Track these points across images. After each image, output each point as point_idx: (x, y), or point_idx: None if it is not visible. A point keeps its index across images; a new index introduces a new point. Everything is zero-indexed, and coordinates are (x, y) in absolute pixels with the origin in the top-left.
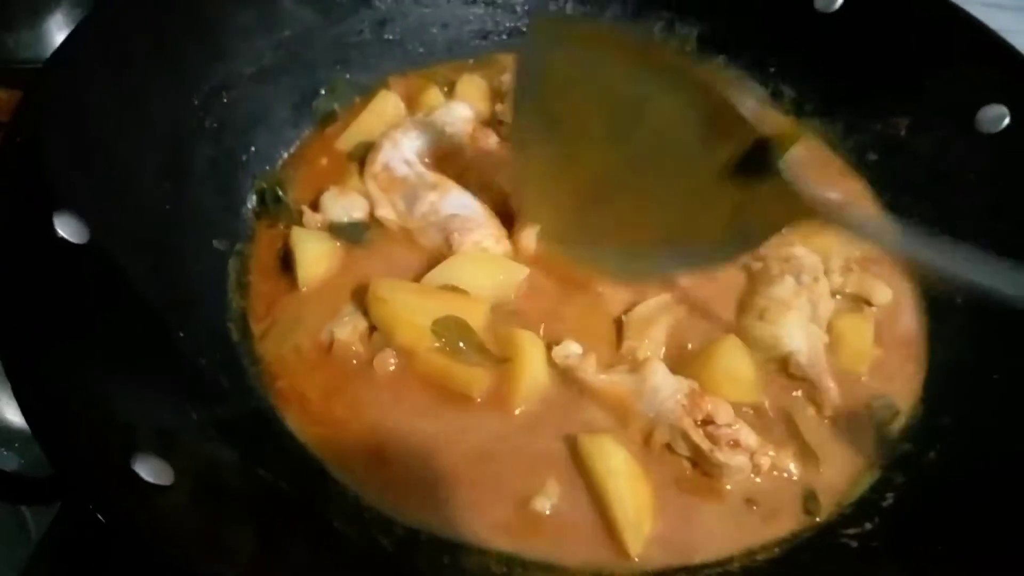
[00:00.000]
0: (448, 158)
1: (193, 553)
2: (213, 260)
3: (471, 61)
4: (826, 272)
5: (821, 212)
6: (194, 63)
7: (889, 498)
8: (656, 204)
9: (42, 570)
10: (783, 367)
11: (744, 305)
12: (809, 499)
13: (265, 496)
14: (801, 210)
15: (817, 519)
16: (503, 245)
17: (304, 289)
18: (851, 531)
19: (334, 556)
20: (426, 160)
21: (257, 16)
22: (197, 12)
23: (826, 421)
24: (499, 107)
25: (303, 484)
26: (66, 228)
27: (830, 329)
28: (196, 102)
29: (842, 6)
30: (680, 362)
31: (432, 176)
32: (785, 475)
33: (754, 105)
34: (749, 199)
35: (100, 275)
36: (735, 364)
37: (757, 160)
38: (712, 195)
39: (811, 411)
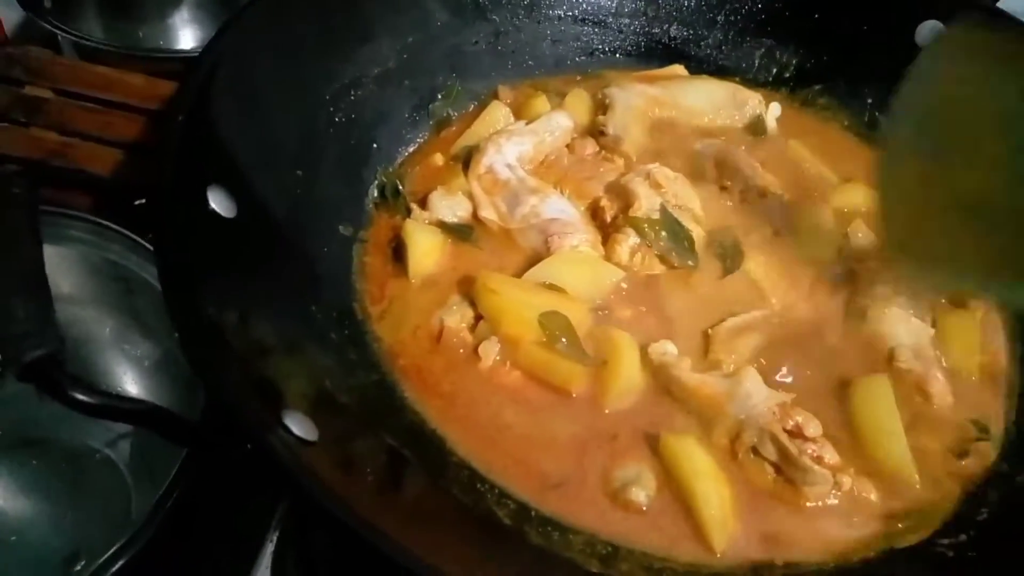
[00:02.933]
0: (547, 165)
1: (339, 500)
2: (339, 244)
3: (578, 77)
4: None
5: None
6: (329, 62)
7: (984, 513)
8: None
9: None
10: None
11: (846, 310)
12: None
13: (393, 461)
14: None
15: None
16: (598, 250)
17: (414, 279)
18: (946, 541)
19: (458, 520)
20: (527, 166)
21: (390, 21)
22: (339, 13)
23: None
24: (600, 118)
25: (423, 453)
26: (218, 202)
27: (935, 324)
28: (328, 98)
29: None
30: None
31: (532, 181)
32: (863, 495)
33: None
34: None
35: (245, 250)
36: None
37: None
38: None
39: None
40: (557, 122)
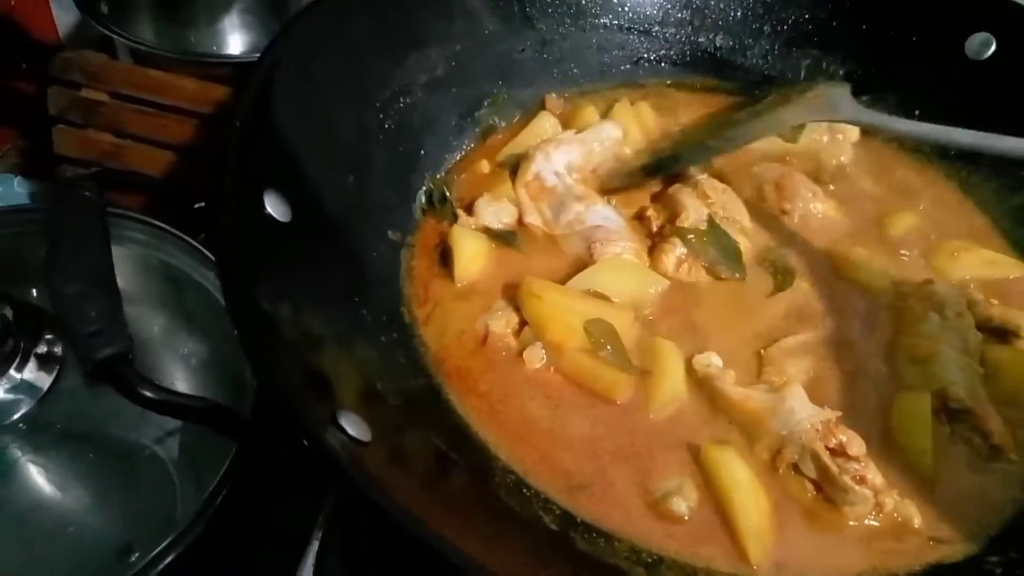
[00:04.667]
0: (597, 174)
1: (396, 500)
2: (388, 249)
3: (638, 89)
4: (968, 305)
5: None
6: (380, 69)
7: None
8: None
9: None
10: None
11: (892, 348)
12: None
13: (442, 464)
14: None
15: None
16: (643, 259)
17: (459, 284)
18: (995, 558)
19: (506, 523)
20: (575, 174)
21: (441, 28)
22: (392, 20)
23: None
24: None
25: (470, 457)
26: (273, 206)
27: (984, 362)
28: (378, 105)
29: (993, 54)
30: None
31: (579, 188)
32: (907, 518)
33: None
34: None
35: (299, 253)
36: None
37: None
38: None
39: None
40: (607, 132)
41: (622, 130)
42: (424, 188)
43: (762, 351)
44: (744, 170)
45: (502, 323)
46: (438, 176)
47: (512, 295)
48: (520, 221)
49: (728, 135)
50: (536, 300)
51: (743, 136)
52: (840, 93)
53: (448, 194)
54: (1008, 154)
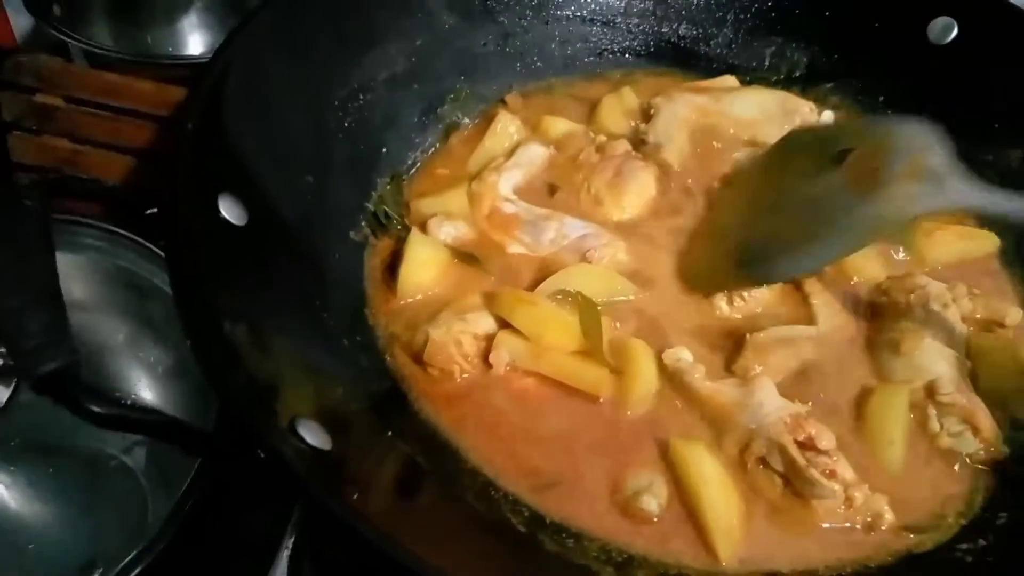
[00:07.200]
0: (577, 164)
1: (353, 510)
2: (350, 250)
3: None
4: (953, 299)
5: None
6: (338, 67)
7: (1003, 517)
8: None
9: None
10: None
11: (874, 343)
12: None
13: (407, 469)
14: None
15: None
16: (628, 256)
17: (402, 299)
18: (965, 546)
19: (473, 528)
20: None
21: (399, 24)
22: (348, 18)
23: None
24: (642, 127)
25: (437, 461)
26: (228, 210)
27: (969, 353)
28: (336, 103)
29: (955, 39)
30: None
31: (540, 209)
32: (878, 512)
33: None
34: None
35: (256, 257)
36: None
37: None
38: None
39: None
40: (535, 152)
41: (548, 147)
42: (381, 190)
43: (747, 335)
44: (727, 156)
45: (442, 330)
46: (397, 175)
47: (488, 303)
48: (479, 238)
49: (822, 252)
50: (530, 306)
51: (838, 251)
52: (940, 161)
53: (390, 212)
54: None
